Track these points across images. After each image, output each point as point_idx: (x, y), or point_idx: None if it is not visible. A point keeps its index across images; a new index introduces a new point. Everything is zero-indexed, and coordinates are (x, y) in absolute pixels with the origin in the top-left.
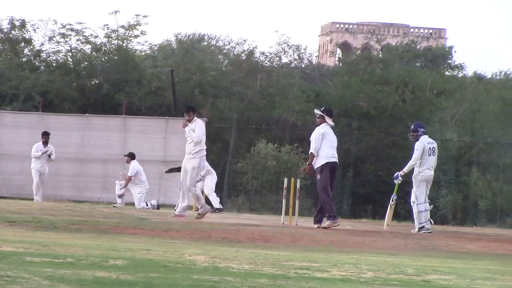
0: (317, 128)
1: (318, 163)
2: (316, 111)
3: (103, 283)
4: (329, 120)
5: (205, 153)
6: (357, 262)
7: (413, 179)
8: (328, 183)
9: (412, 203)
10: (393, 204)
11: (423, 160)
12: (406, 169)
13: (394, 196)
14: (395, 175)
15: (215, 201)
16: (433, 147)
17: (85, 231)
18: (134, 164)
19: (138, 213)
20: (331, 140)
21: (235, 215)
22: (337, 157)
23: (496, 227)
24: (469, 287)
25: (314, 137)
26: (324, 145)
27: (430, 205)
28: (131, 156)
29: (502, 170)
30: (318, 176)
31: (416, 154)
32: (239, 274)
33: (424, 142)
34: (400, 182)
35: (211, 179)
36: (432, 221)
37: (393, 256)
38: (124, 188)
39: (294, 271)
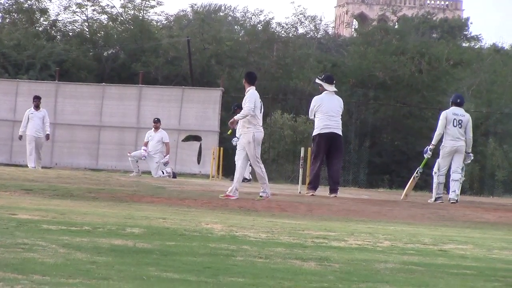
0: (316, 96)
1: (313, 132)
2: (316, 81)
3: (119, 251)
4: (328, 87)
5: (252, 129)
6: (374, 232)
7: (440, 149)
8: (318, 155)
9: (433, 173)
10: (417, 177)
11: (447, 130)
12: (434, 141)
13: (419, 169)
14: (425, 149)
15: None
16: (459, 119)
17: (102, 199)
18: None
19: (155, 182)
20: (328, 109)
21: (252, 184)
22: (335, 126)
23: None
24: (486, 257)
25: (311, 106)
26: (318, 115)
27: (462, 175)
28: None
29: None
30: (312, 144)
31: (438, 124)
32: (256, 243)
33: (449, 113)
34: (429, 156)
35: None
36: (458, 193)
37: (410, 225)
38: (168, 156)
39: (311, 240)
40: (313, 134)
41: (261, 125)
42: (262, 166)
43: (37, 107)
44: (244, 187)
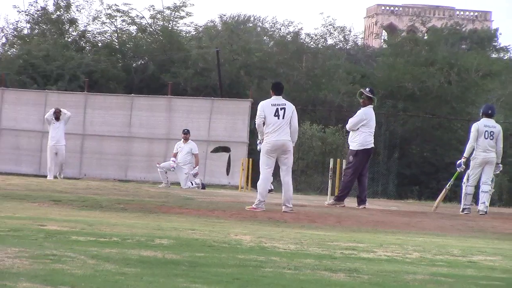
0: (364, 110)
1: (354, 146)
2: (366, 93)
3: (148, 262)
4: (372, 102)
5: (267, 140)
6: (403, 243)
7: (471, 161)
8: (358, 169)
9: (462, 183)
10: (448, 189)
11: (478, 142)
12: (466, 154)
13: (451, 182)
14: (457, 163)
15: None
16: (491, 131)
17: (131, 211)
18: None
19: (184, 193)
20: (373, 125)
21: (281, 195)
22: (373, 140)
23: None
24: None
25: (358, 118)
26: (364, 129)
27: (492, 186)
28: None
29: None
30: (351, 158)
31: (470, 137)
32: (285, 254)
33: (480, 125)
34: (462, 170)
35: None
36: (487, 205)
37: (439, 236)
38: (197, 167)
39: (340, 252)
40: (355, 149)
41: (278, 131)
42: (263, 175)
43: (57, 118)
44: (271, 198)
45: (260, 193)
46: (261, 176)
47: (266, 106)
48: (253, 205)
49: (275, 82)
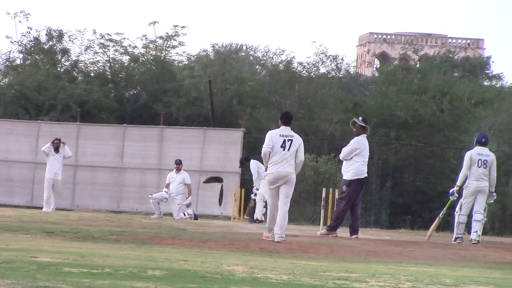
0: (358, 139)
1: (347, 176)
2: (359, 123)
3: None
4: (365, 131)
5: (270, 170)
6: (395, 273)
7: (463, 189)
8: (351, 199)
9: (455, 212)
10: (441, 218)
11: (471, 171)
12: (458, 182)
13: (443, 211)
14: (450, 191)
15: (260, 212)
16: (484, 160)
17: (123, 242)
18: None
19: (177, 224)
20: (366, 154)
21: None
22: (366, 170)
23: None
24: None
25: (351, 147)
26: (357, 159)
27: (484, 215)
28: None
29: None
30: (344, 188)
31: (463, 165)
32: (278, 285)
33: (473, 153)
34: (455, 198)
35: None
36: (479, 234)
37: (432, 266)
38: (190, 197)
39: (332, 282)
40: (349, 178)
41: (282, 162)
42: (270, 208)
43: (56, 149)
44: (265, 228)
45: (268, 222)
46: (268, 207)
47: (274, 136)
48: (266, 234)
49: (284, 112)
